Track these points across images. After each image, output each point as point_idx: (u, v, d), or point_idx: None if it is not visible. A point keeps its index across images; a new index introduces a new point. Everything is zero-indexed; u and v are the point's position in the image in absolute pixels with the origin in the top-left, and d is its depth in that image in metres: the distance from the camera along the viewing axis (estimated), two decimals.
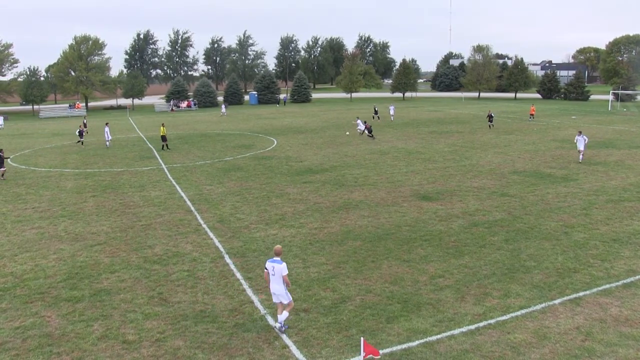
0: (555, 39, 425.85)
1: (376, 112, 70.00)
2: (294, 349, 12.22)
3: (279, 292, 13.08)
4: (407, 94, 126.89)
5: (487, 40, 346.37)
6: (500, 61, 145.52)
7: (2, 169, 34.16)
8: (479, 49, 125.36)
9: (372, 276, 16.28)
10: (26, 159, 42.55)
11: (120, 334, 13.16)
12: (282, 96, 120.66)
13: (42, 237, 21.34)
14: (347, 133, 54.31)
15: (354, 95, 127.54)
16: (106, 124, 50.13)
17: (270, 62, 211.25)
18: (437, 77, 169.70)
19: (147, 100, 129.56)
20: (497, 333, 12.63)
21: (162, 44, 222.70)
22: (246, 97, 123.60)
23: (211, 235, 20.81)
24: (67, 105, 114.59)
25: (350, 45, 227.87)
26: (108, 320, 13.88)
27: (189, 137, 54.12)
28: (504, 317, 13.37)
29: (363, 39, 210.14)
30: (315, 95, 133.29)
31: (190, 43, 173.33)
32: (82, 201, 27.21)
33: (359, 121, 53.34)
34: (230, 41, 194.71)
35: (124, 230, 21.89)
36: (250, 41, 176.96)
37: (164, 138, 45.55)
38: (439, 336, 12.56)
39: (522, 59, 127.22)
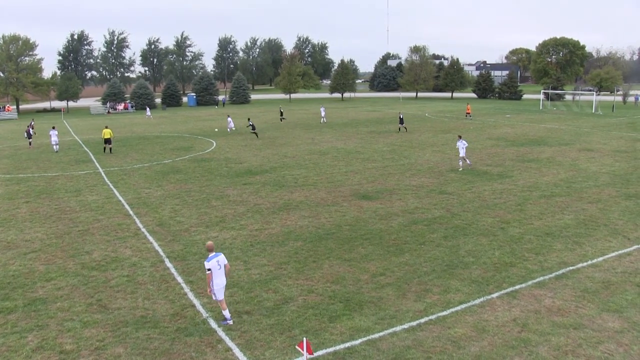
0: (489, 41, 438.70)
1: (282, 114, 70.43)
2: (237, 351, 12.16)
3: (224, 284, 13.47)
4: (346, 95, 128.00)
5: (423, 41, 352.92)
6: (437, 61, 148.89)
7: None
8: (416, 49, 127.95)
9: (313, 276, 16.36)
10: None
11: (57, 344, 12.72)
12: (221, 97, 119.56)
13: None
14: (216, 129, 58.82)
15: (293, 95, 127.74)
16: (53, 127, 48.43)
17: (209, 64, 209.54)
18: (376, 78, 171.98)
19: (82, 102, 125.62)
20: (438, 328, 12.93)
21: (98, 45, 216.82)
22: (184, 99, 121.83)
23: (151, 239, 20.42)
24: None
25: (288, 46, 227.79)
26: (44, 331, 13.40)
27: (127, 140, 52.85)
28: (445, 313, 13.70)
29: (301, 39, 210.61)
30: (254, 96, 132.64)
31: (127, 44, 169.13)
32: (14, 207, 26.16)
33: (229, 119, 57.39)
34: (167, 42, 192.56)
35: (60, 236, 21.18)
36: (188, 42, 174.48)
37: (108, 141, 44.03)
38: (381, 333, 12.74)
39: (457, 59, 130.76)
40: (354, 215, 22.82)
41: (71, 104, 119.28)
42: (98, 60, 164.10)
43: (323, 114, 67.13)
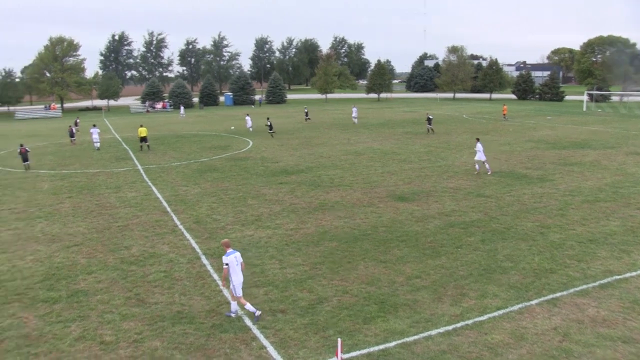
0: (529, 40, 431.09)
1: (307, 114, 70.40)
2: (271, 349, 12.21)
3: (242, 280, 13.83)
4: (382, 95, 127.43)
5: (461, 41, 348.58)
6: (475, 62, 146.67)
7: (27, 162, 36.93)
8: (453, 49, 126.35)
9: (348, 277, 16.30)
10: (2, 160, 41.82)
11: (98, 334, 13.04)
12: (257, 97, 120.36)
13: (18, 238, 21.05)
14: (232, 127, 60.76)
15: (329, 96, 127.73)
16: (93, 125, 49.49)
17: (245, 64, 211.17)
18: (412, 78, 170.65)
19: (122, 101, 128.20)
20: (475, 334, 12.74)
21: (137, 45, 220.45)
22: (221, 98, 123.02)
23: (188, 236, 20.68)
24: (43, 106, 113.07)
25: (324, 46, 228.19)
26: (85, 321, 13.75)
27: (165, 138, 53.65)
28: (481, 318, 13.48)
29: (337, 40, 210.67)
30: (290, 96, 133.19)
31: (165, 44, 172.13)
32: (58, 202, 26.84)
33: (247, 118, 58.88)
34: (205, 42, 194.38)
35: (101, 231, 21.65)
36: (225, 42, 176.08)
37: (144, 139, 45.05)
38: (416, 337, 12.61)
39: (496, 59, 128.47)
40: (389, 217, 22.70)
41: (112, 102, 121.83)
42: (137, 60, 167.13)
43: (355, 114, 66.66)
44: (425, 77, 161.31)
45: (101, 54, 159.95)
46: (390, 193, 27.01)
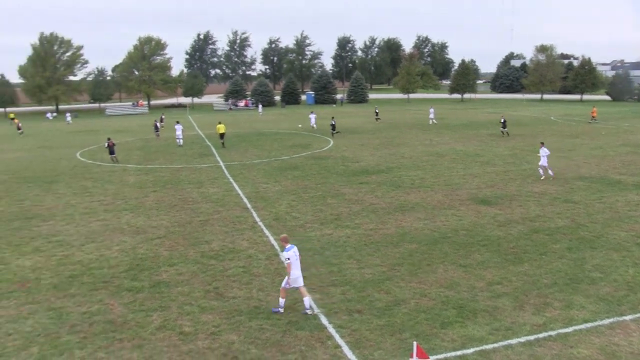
0: (629, 37, 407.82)
1: (377, 114, 69.53)
2: (346, 349, 12.13)
3: (300, 274, 13.91)
4: (466, 96, 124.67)
5: (550, 40, 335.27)
6: (565, 61, 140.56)
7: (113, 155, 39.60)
8: (542, 49, 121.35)
9: (427, 280, 15.99)
10: (92, 154, 44.07)
11: (178, 325, 13.43)
12: (339, 96, 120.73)
13: (106, 228, 22.09)
14: (300, 125, 61.74)
15: (412, 95, 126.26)
16: (177, 122, 51.26)
17: (327, 63, 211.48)
18: (497, 78, 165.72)
19: (206, 99, 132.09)
20: (559, 346, 12.12)
21: (221, 44, 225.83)
22: (303, 97, 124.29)
23: (267, 232, 20.94)
24: (131, 103, 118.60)
25: (407, 45, 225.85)
26: (166, 312, 14.20)
27: (247, 136, 54.78)
28: (567, 330, 12.81)
29: (421, 39, 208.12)
30: (372, 96, 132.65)
31: (249, 43, 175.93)
32: (143, 196, 27.93)
33: (311, 116, 59.94)
34: (287, 41, 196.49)
35: (183, 225, 22.30)
36: (308, 41, 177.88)
37: (222, 136, 46.37)
38: (495, 345, 12.18)
39: (589, 58, 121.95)
40: (471, 220, 22.10)
41: (196, 100, 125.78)
42: (221, 59, 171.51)
43: (432, 115, 65.36)
44: (511, 78, 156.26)
45: (186, 53, 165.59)
46: (472, 196, 26.32)
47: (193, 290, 15.57)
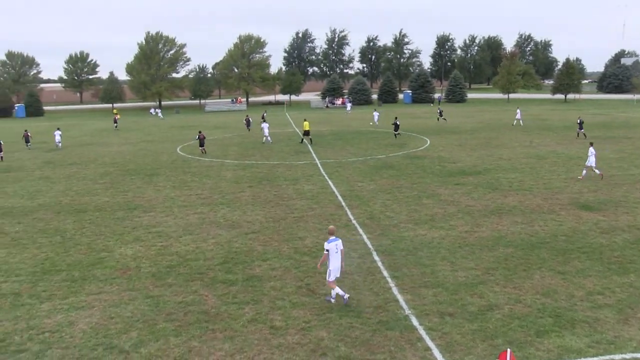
0: None
1: (440, 113, 67.43)
2: (436, 352, 11.88)
3: (339, 266, 14.53)
4: (569, 96, 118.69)
5: None
6: None
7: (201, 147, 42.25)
8: None
9: (523, 286, 15.37)
10: (192, 150, 45.84)
11: (269, 319, 13.66)
12: (436, 95, 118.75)
13: (203, 221, 22.87)
14: (371, 123, 62.98)
15: (512, 96, 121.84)
16: (263, 119, 52.57)
17: (426, 61, 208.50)
18: (605, 78, 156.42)
19: (303, 96, 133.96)
20: None
21: (320, 43, 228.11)
22: (400, 96, 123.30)
23: (360, 231, 20.90)
24: (230, 100, 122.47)
25: (509, 44, 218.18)
26: (258, 305, 14.48)
27: (343, 134, 55.01)
28: None
29: (523, 37, 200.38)
30: (470, 95, 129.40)
31: (347, 41, 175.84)
32: (239, 191, 28.70)
33: (375, 113, 60.78)
34: (385, 39, 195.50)
35: (277, 220, 22.70)
36: (406, 39, 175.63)
37: (307, 133, 47.69)
38: (595, 359, 11.50)
39: None
40: (571, 226, 21.00)
41: (293, 97, 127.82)
42: (319, 57, 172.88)
43: (519, 116, 62.33)
44: (620, 77, 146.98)
45: (285, 51, 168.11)
46: (573, 200, 25.02)
47: (285, 286, 15.79)
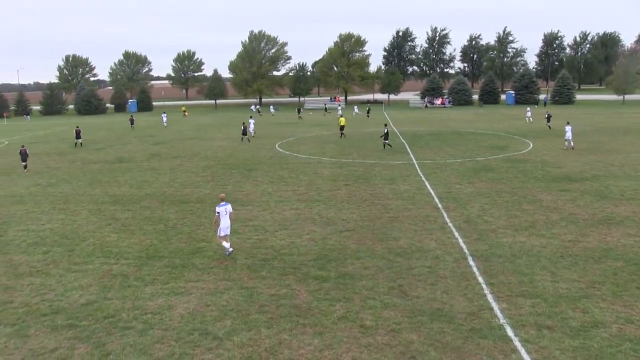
0: None
1: (548, 119, 61.74)
2: None
3: (228, 225, 18.27)
4: None
5: None
6: None
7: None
8: None
9: (635, 304, 14.24)
10: (290, 146, 46.68)
11: (359, 318, 13.62)
12: (542, 96, 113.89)
13: (298, 217, 23.22)
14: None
15: (628, 97, 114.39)
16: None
17: (531, 61, 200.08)
18: None
19: (402, 95, 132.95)
20: None
21: (420, 41, 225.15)
22: (503, 97, 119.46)
23: (456, 234, 20.41)
24: (329, 98, 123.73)
25: (628, 40, 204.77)
26: (349, 303, 14.48)
27: (441, 135, 54.06)
28: None
29: None
30: (579, 97, 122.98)
31: (448, 40, 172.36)
32: (335, 188, 28.86)
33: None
34: (488, 38, 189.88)
35: (372, 220, 22.62)
36: (510, 38, 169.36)
37: (342, 128, 50.06)
38: None
39: None
40: None
41: (392, 96, 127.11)
42: (419, 56, 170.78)
43: (529, 114, 61.94)
44: None
45: (384, 50, 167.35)
46: None
47: (377, 285, 15.69)
